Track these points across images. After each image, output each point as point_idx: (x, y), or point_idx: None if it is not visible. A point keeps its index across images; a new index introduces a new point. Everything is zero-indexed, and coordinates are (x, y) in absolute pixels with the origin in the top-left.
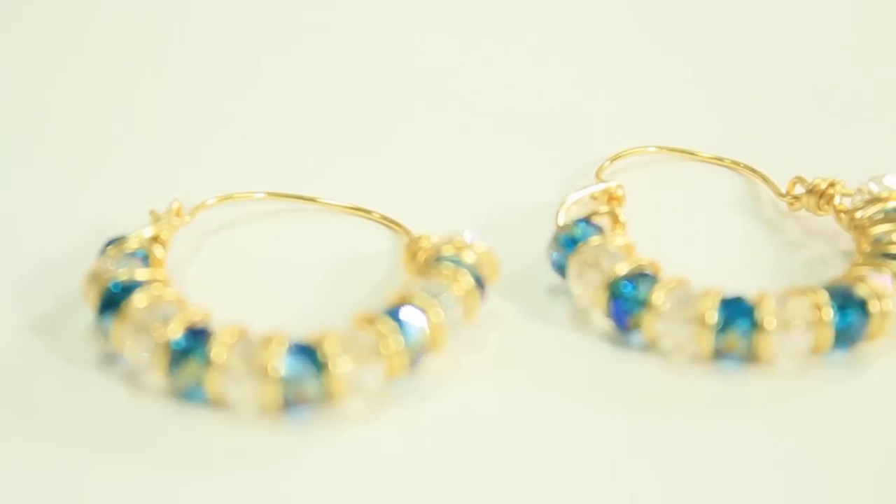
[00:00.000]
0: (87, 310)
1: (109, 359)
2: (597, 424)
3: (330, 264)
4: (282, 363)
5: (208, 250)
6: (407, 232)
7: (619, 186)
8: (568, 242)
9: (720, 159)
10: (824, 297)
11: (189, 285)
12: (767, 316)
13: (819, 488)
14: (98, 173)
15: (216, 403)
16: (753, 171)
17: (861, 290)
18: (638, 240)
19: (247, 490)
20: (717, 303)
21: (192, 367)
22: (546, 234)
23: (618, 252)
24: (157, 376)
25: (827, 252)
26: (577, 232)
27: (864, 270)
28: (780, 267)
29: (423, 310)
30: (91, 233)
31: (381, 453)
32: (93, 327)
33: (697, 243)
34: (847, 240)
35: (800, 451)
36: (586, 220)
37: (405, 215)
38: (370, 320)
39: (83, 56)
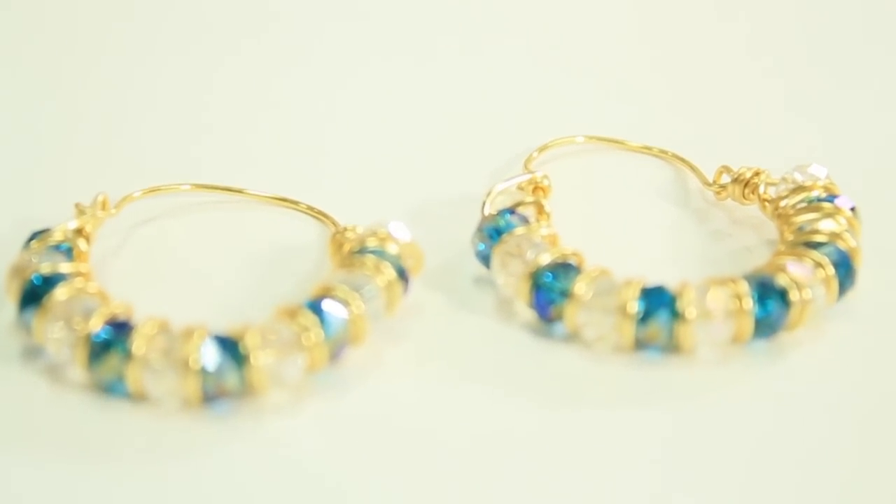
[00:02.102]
0: (10, 303)
1: (32, 352)
2: (519, 415)
3: (256, 256)
4: (202, 356)
5: (134, 243)
6: (333, 223)
7: (545, 177)
8: (492, 232)
9: (648, 148)
10: (744, 286)
11: (114, 278)
12: (688, 306)
13: (738, 476)
14: (23, 165)
15: (137, 397)
16: (681, 160)
17: (781, 280)
18: (564, 230)
19: (168, 483)
20: (637, 293)
21: (112, 361)
22: (473, 225)
23: (541, 242)
24: (78, 370)
25: (752, 241)
26: (502, 222)
27: (785, 260)
28: (705, 257)
29: (344, 302)
30: (16, 225)
31: (302, 446)
32: (15, 321)
33: (624, 233)
34: (772, 229)
35: (720, 439)
36: (511, 211)
37: (332, 206)
38: (291, 313)
39: (6, 44)
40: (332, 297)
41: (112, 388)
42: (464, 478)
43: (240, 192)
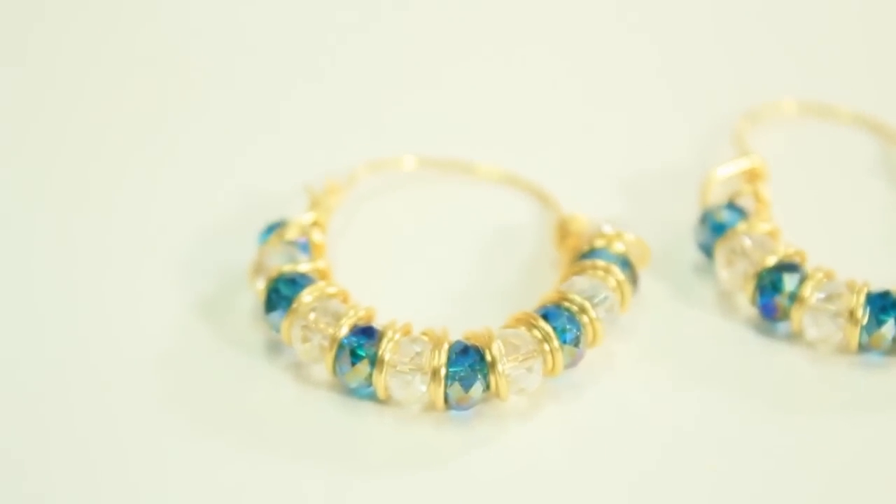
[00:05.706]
0: (251, 292)
1: (276, 348)
2: (742, 418)
3: (478, 236)
4: (450, 365)
5: (359, 222)
6: (555, 207)
7: (763, 163)
8: (715, 227)
9: (860, 118)
10: None
11: (343, 260)
12: None
13: None
14: (250, 137)
15: (382, 400)
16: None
17: None
18: (779, 213)
19: (412, 485)
20: (863, 298)
21: (360, 367)
22: (685, 203)
23: (765, 240)
24: (324, 372)
25: None
26: (724, 216)
27: None
28: None
29: (579, 309)
30: (246, 201)
31: (541, 450)
32: (257, 312)
33: (838, 218)
34: None
35: None
36: (731, 204)
37: (543, 177)
38: (530, 322)
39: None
40: (568, 305)
41: (358, 391)
42: (691, 483)
43: (463, 168)
